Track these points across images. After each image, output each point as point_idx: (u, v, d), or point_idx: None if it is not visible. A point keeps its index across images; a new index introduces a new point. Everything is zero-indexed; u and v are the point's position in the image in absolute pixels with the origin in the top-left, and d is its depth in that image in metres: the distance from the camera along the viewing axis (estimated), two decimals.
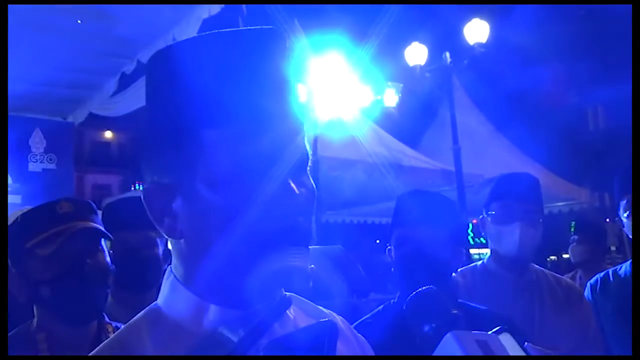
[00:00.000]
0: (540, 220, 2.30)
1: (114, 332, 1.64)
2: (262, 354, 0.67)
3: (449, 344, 0.63)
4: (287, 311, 0.86)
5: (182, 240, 0.82)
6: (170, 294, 0.85)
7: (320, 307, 1.00)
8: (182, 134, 0.79)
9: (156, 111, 0.84)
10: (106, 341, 0.85)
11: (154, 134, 0.83)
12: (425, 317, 0.68)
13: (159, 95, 0.83)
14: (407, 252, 1.73)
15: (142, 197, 0.82)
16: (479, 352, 0.61)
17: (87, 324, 1.60)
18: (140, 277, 2.09)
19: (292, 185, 0.80)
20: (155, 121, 0.83)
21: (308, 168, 0.85)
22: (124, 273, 2.05)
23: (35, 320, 1.59)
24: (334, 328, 0.61)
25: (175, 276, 0.85)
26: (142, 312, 0.87)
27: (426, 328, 0.66)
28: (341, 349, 0.87)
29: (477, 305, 1.79)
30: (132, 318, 0.87)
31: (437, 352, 0.65)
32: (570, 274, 4.57)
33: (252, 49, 0.80)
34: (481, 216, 2.40)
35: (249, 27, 0.81)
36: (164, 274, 0.89)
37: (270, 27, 0.82)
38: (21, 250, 1.55)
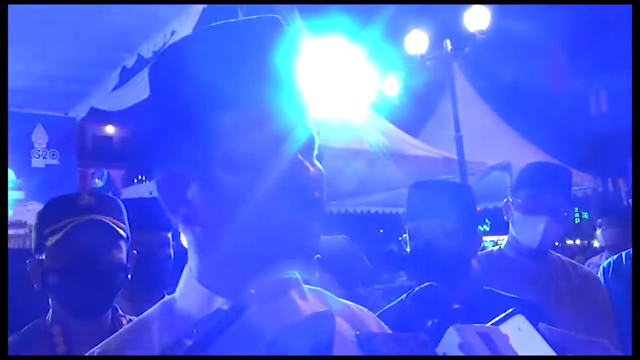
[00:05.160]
0: (566, 214, 2.24)
1: None
2: (258, 354, 0.68)
3: (451, 338, 0.63)
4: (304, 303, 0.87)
5: (197, 230, 0.83)
6: (184, 287, 0.87)
7: (344, 300, 1.00)
8: (196, 122, 0.80)
9: (166, 105, 0.85)
10: (119, 331, 0.87)
11: (164, 127, 0.84)
12: (427, 312, 0.68)
13: (170, 91, 0.84)
14: (418, 245, 1.73)
15: (156, 189, 0.83)
16: (480, 345, 0.62)
17: (91, 317, 1.58)
18: (156, 277, 2.07)
19: (306, 162, 0.81)
20: (165, 115, 0.85)
21: (315, 153, 0.86)
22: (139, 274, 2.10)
23: (50, 312, 1.59)
24: (331, 318, 0.62)
25: (190, 268, 0.86)
26: (158, 303, 0.88)
27: (428, 323, 0.67)
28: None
29: (505, 293, 1.77)
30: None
31: (440, 347, 0.65)
32: (598, 257, 4.63)
33: (257, 37, 0.81)
34: (506, 200, 2.35)
35: (250, 17, 0.83)
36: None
37: (271, 15, 0.83)
38: (41, 236, 1.56)
